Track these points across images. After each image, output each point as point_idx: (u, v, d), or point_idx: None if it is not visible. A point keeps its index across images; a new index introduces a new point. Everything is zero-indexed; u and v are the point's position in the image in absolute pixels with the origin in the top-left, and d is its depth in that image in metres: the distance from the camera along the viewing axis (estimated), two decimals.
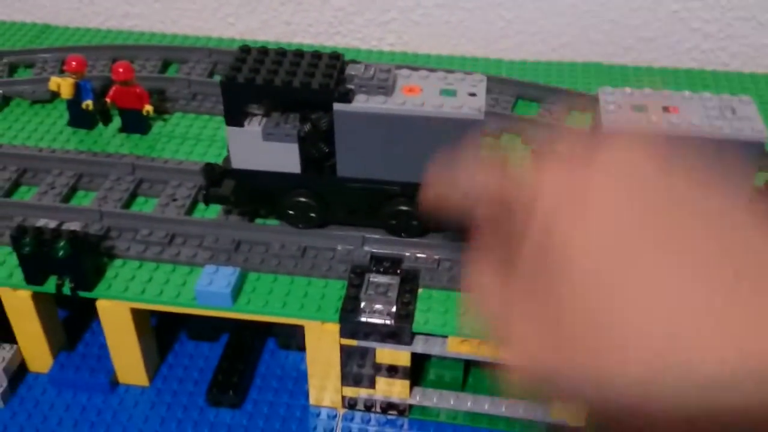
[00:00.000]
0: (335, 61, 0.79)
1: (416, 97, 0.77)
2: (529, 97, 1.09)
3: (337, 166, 0.81)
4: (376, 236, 0.84)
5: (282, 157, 0.81)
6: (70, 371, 0.89)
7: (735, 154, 0.73)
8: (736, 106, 0.75)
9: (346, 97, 0.76)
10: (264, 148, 0.80)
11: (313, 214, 0.84)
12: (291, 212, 0.85)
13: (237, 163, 0.83)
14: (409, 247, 0.84)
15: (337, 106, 0.77)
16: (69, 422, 0.86)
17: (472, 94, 0.77)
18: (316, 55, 0.81)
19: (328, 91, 0.76)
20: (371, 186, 0.82)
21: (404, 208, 0.82)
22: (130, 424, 0.85)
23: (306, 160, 0.81)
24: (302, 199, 0.84)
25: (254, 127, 0.80)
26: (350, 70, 0.78)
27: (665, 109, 0.75)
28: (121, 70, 0.99)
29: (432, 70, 0.82)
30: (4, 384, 0.87)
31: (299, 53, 0.81)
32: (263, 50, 0.81)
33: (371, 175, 0.81)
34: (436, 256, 0.83)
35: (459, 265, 0.83)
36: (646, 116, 0.74)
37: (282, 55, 0.80)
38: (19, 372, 0.90)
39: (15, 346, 0.89)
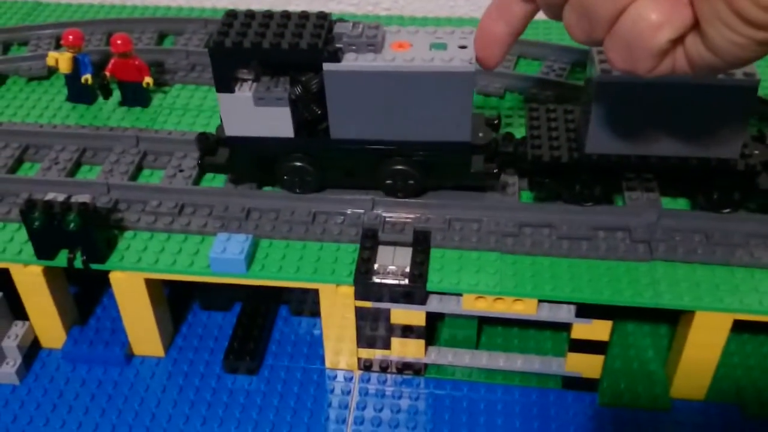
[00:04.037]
0: (323, 21, 0.78)
1: (406, 52, 0.76)
2: (531, 56, 1.08)
3: (331, 127, 0.80)
4: (386, 199, 0.84)
5: (274, 121, 0.80)
6: (84, 345, 0.89)
7: (728, 98, 0.73)
8: None
9: (336, 57, 0.75)
10: (256, 114, 0.79)
11: (309, 179, 0.84)
12: (286, 177, 0.84)
13: (230, 131, 0.82)
14: (419, 208, 0.84)
15: (327, 66, 0.76)
16: (86, 396, 0.86)
17: (463, 47, 0.76)
18: (304, 15, 0.79)
19: (317, 51, 0.75)
20: (366, 146, 0.81)
21: (400, 167, 0.82)
22: (148, 395, 0.85)
23: (299, 124, 0.80)
24: (297, 164, 0.83)
25: (245, 92, 0.79)
26: (338, 28, 0.77)
27: None
28: (119, 42, 0.98)
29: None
30: (19, 361, 0.87)
31: (286, 14, 0.79)
32: (250, 13, 0.79)
33: (365, 135, 0.80)
34: (447, 216, 0.84)
35: (469, 225, 0.83)
36: None
37: (269, 17, 0.79)
38: (32, 348, 0.90)
39: (27, 322, 0.89)
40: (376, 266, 0.80)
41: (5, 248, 0.83)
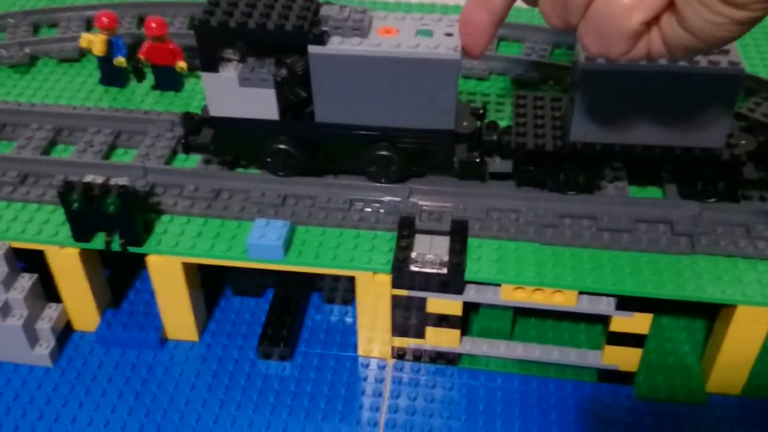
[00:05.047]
0: (310, 3, 0.77)
1: (392, 38, 0.75)
2: (566, 45, 1.07)
3: (315, 111, 0.80)
4: (424, 187, 0.84)
5: (259, 103, 0.79)
6: (118, 329, 0.89)
7: (713, 87, 0.73)
8: None
9: (321, 39, 0.75)
10: (241, 95, 0.79)
11: (292, 162, 0.83)
12: (270, 160, 0.84)
13: (214, 111, 0.81)
14: (456, 197, 0.84)
15: (312, 49, 0.75)
16: (120, 380, 0.86)
17: (449, 35, 0.76)
18: None
19: (303, 33, 0.74)
20: (350, 131, 0.80)
21: (384, 153, 0.81)
22: (182, 379, 0.85)
23: (284, 106, 0.80)
24: (282, 146, 0.82)
25: (230, 72, 0.78)
26: (325, 11, 0.77)
27: None
28: (154, 25, 0.97)
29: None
30: (52, 343, 0.87)
31: None
32: None
33: (350, 120, 0.80)
34: (485, 206, 0.83)
35: (507, 215, 0.83)
36: None
37: None
38: (65, 331, 0.90)
39: (60, 305, 0.89)
40: (413, 255, 0.79)
41: (41, 230, 0.83)
